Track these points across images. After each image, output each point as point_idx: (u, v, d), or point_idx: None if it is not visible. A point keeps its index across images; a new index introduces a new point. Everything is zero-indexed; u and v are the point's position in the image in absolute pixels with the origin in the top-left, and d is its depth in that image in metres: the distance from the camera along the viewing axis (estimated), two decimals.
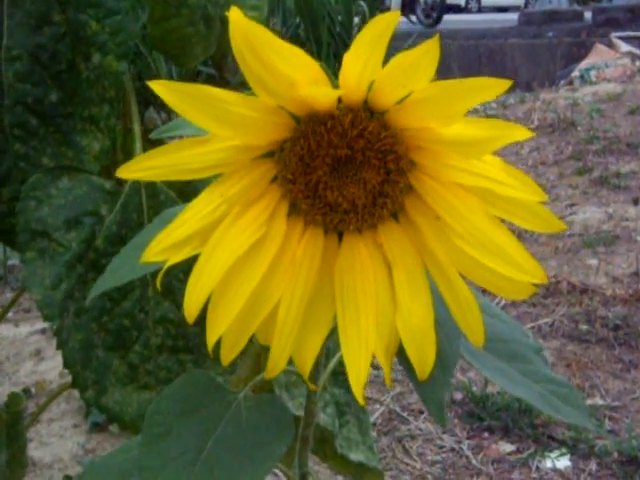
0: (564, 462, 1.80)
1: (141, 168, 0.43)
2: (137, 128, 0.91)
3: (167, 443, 0.52)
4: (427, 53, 0.36)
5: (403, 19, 10.90)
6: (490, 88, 0.38)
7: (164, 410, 0.54)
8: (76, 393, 0.85)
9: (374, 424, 1.99)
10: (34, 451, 1.91)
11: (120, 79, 0.84)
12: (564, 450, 1.83)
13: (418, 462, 1.84)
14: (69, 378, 0.86)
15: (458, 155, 0.42)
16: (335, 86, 0.41)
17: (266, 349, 0.46)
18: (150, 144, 1.05)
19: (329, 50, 6.05)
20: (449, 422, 1.97)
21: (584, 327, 2.38)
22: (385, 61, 0.39)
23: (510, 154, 4.43)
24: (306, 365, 0.47)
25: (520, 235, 2.93)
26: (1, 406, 1.02)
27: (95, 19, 0.82)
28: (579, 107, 5.24)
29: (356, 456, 0.97)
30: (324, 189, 0.45)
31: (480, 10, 15.30)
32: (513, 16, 11.06)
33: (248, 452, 0.52)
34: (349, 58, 0.38)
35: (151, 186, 0.87)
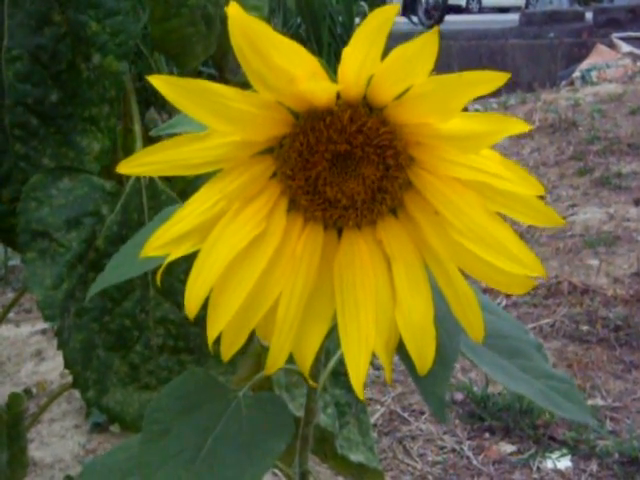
0: (565, 463, 1.79)
1: (141, 163, 0.43)
2: (138, 128, 0.91)
3: (167, 440, 0.52)
4: (425, 45, 0.36)
5: (404, 20, 10.91)
6: (488, 81, 0.38)
7: (164, 408, 0.54)
8: (77, 393, 0.85)
9: (375, 425, 1.99)
10: (35, 451, 1.91)
11: (120, 79, 0.84)
12: (565, 451, 1.82)
13: (419, 463, 1.84)
14: (70, 378, 0.86)
15: (456, 150, 0.42)
16: (334, 82, 0.41)
17: (267, 349, 0.46)
18: (151, 144, 1.05)
19: (330, 50, 6.05)
20: (450, 423, 1.96)
21: (585, 327, 2.38)
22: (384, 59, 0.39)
23: (511, 154, 4.43)
24: (306, 361, 0.47)
25: (521, 235, 2.92)
26: (2, 407, 1.02)
27: (95, 19, 0.82)
28: (580, 107, 5.24)
29: (356, 457, 0.97)
30: (323, 185, 0.45)
31: (481, 10, 15.32)
32: (514, 16, 11.07)
33: (248, 449, 0.52)
34: (348, 52, 0.38)
35: (152, 186, 0.87)
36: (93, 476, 0.67)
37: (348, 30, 6.24)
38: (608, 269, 2.79)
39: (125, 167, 0.43)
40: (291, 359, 0.48)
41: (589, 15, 9.55)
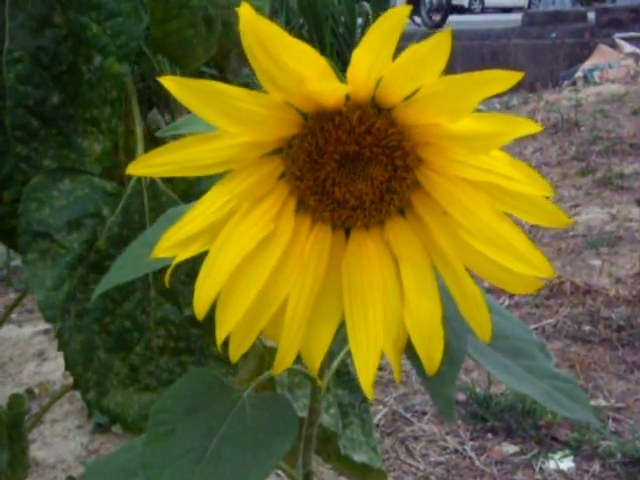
0: (567, 463, 1.79)
1: (150, 164, 0.43)
2: (139, 129, 0.91)
3: (171, 441, 0.52)
4: (437, 47, 0.36)
5: (407, 20, 10.86)
6: (500, 81, 0.37)
7: (168, 408, 0.54)
8: (79, 394, 0.85)
9: (377, 425, 1.98)
10: (37, 452, 1.91)
11: (121, 81, 0.84)
12: (567, 451, 1.82)
13: (421, 463, 1.84)
14: (72, 379, 0.86)
15: (465, 150, 0.42)
16: (343, 83, 0.41)
17: (270, 350, 0.46)
18: (153, 145, 1.05)
19: (332, 50, 6.06)
20: (452, 423, 1.96)
21: (587, 328, 2.38)
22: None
23: (513, 154, 4.38)
24: (315, 362, 0.47)
25: None
26: (3, 408, 1.02)
27: (96, 21, 0.82)
28: (582, 108, 5.24)
29: (359, 457, 0.97)
30: (332, 185, 0.45)
31: (483, 11, 15.31)
32: (516, 17, 11.04)
33: (253, 450, 0.51)
34: (358, 54, 0.38)
35: (153, 188, 0.87)
36: (96, 477, 0.67)
37: (350, 30, 6.25)
38: (610, 269, 2.78)
39: (134, 168, 0.43)
40: (295, 359, 0.48)
41: (591, 15, 9.53)
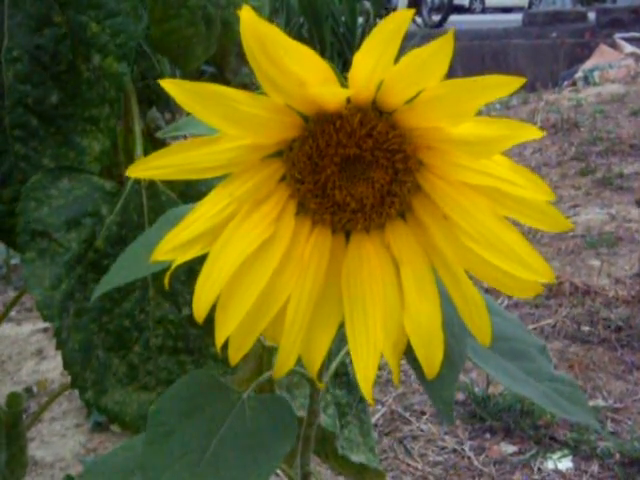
0: (566, 463, 1.79)
1: (150, 167, 0.43)
2: (138, 128, 0.90)
3: (171, 442, 0.52)
4: (440, 50, 0.36)
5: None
6: (503, 86, 0.37)
7: (168, 410, 0.53)
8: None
9: (376, 425, 1.99)
10: (36, 450, 1.91)
11: (120, 80, 0.84)
12: (566, 451, 1.82)
13: (420, 463, 1.84)
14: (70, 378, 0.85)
15: (467, 155, 0.42)
16: (344, 86, 0.41)
17: (268, 351, 0.46)
18: (152, 144, 1.05)
19: (332, 50, 6.05)
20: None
21: (586, 328, 2.38)
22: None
23: (513, 155, 4.42)
24: (315, 364, 0.47)
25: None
26: (1, 406, 1.02)
27: (95, 20, 0.82)
28: (582, 108, 5.24)
29: (357, 457, 0.97)
30: (332, 188, 0.45)
31: (484, 11, 15.29)
32: (517, 17, 11.04)
33: (252, 451, 0.51)
34: (360, 57, 0.38)
35: (152, 187, 0.87)
36: (94, 476, 0.67)
37: (351, 30, 6.24)
38: (610, 270, 2.79)
39: (133, 171, 0.43)
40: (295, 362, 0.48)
41: (592, 15, 9.53)
